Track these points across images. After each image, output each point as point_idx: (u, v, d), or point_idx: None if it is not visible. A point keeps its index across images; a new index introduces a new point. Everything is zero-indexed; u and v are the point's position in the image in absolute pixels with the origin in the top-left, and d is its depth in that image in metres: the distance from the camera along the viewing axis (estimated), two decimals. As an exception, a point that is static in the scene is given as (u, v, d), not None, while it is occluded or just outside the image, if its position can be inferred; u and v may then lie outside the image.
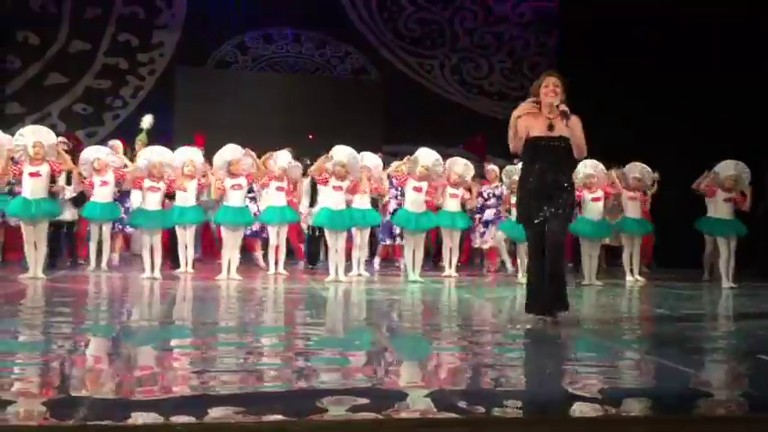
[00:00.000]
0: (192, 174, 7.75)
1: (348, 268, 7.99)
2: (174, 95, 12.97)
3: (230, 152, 7.81)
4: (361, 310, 5.69)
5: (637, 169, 8.41)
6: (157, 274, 7.40)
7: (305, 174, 8.70)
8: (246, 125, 12.06)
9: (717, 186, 8.13)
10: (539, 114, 4.65)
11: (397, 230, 9.09)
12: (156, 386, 2.86)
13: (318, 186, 8.23)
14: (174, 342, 3.96)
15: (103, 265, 8.17)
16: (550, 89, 4.61)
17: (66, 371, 3.13)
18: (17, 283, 6.64)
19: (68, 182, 8.18)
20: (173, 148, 8.14)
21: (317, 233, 9.14)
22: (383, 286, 7.50)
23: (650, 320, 5.50)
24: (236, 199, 7.67)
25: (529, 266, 4.87)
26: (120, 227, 8.86)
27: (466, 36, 14.21)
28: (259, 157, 8.59)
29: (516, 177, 7.87)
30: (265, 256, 8.68)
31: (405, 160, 8.30)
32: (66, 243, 8.86)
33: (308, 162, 8.87)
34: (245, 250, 9.08)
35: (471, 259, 10.56)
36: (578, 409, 2.66)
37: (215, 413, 2.44)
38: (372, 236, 9.20)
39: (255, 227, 8.81)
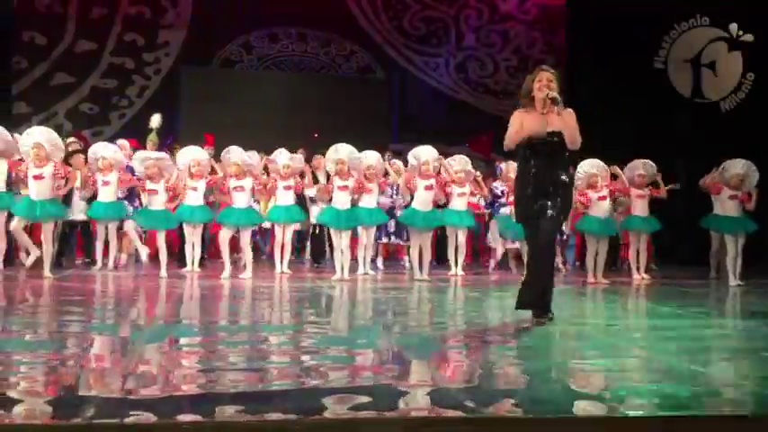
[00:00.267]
0: (200, 173, 7.78)
1: (354, 267, 8.00)
2: (179, 95, 13.00)
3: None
4: (366, 309, 5.69)
5: (640, 166, 8.39)
6: (163, 272, 7.43)
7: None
8: (252, 124, 12.09)
9: (723, 184, 8.12)
10: (532, 111, 4.60)
11: (392, 228, 9.08)
12: (161, 385, 2.86)
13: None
14: (180, 341, 3.96)
15: (110, 264, 8.19)
16: (543, 84, 4.55)
17: (73, 370, 3.14)
18: (24, 282, 6.67)
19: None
20: (177, 148, 8.16)
21: (317, 230, 9.16)
22: (389, 285, 7.49)
23: (656, 318, 5.48)
24: (240, 200, 7.70)
25: (529, 265, 4.84)
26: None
27: (471, 34, 14.18)
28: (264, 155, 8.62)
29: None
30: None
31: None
32: (79, 242, 8.91)
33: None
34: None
35: (477, 258, 10.55)
36: (583, 408, 2.66)
37: (220, 412, 2.45)
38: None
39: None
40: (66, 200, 8.17)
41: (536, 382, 3.03)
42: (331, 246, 8.53)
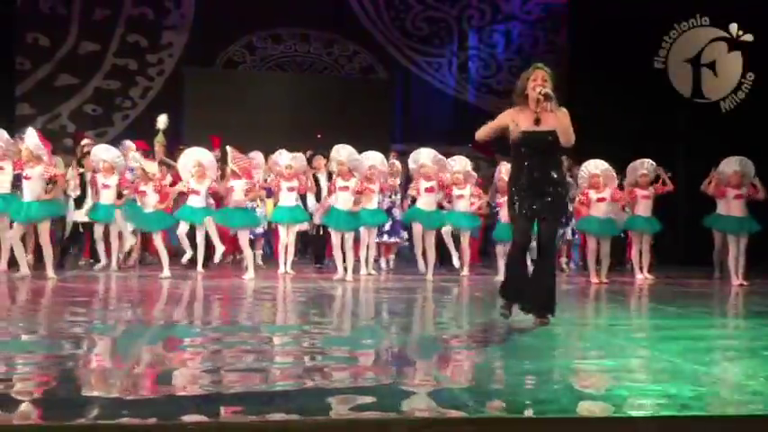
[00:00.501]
0: (202, 174, 7.79)
1: (356, 268, 8.01)
2: (182, 96, 13.01)
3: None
4: (369, 310, 5.69)
5: (643, 167, 8.38)
6: (166, 273, 7.44)
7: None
8: (255, 125, 12.11)
9: (724, 185, 8.11)
10: (525, 109, 4.54)
11: (387, 227, 9.08)
12: (163, 386, 2.87)
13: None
14: (182, 341, 3.97)
15: (113, 265, 8.19)
16: (539, 83, 4.48)
17: (76, 370, 3.15)
18: (27, 283, 6.68)
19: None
20: (180, 149, 8.18)
21: (320, 231, 9.16)
22: (392, 285, 7.49)
23: (659, 318, 5.47)
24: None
25: (511, 255, 4.75)
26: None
27: (474, 34, 14.18)
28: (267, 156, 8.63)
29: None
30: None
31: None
32: (85, 243, 8.93)
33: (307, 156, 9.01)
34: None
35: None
36: (586, 408, 2.66)
37: (223, 412, 2.45)
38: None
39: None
40: (78, 202, 8.23)
41: (539, 382, 3.03)
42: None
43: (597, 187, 8.02)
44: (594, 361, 3.58)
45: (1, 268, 7.30)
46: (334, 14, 13.59)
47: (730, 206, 8.10)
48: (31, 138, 7.28)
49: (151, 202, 7.78)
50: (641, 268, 8.38)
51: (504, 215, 7.61)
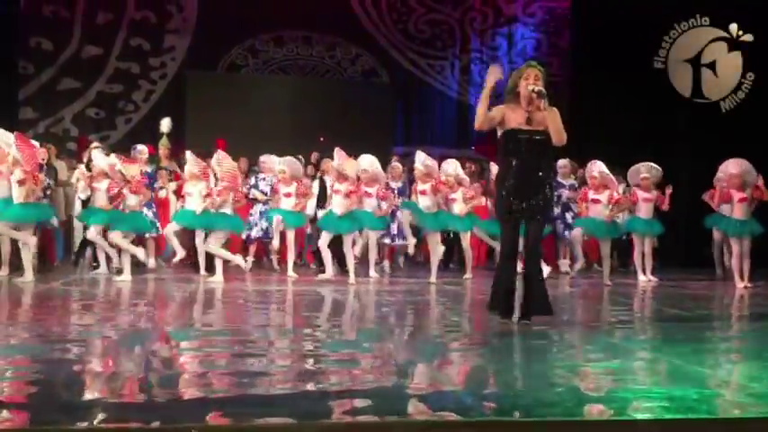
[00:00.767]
0: (196, 176, 7.82)
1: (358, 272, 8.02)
2: (185, 99, 13.02)
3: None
4: (368, 312, 5.69)
5: (644, 169, 8.37)
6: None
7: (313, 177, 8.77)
8: (257, 128, 12.11)
9: (727, 189, 8.07)
10: (517, 107, 4.49)
11: (394, 230, 9.08)
12: (161, 390, 2.86)
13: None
14: (181, 345, 3.96)
15: (112, 268, 8.14)
16: (531, 81, 4.43)
17: (79, 374, 3.14)
18: (25, 288, 6.69)
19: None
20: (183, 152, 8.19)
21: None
22: (393, 288, 7.48)
23: (663, 320, 5.45)
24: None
25: (500, 266, 4.68)
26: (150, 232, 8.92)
27: (476, 37, 14.19)
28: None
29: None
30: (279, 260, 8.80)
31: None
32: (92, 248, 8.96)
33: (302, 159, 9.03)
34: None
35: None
36: (589, 411, 2.65)
37: (223, 416, 2.44)
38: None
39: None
40: (85, 205, 8.27)
41: (542, 384, 3.02)
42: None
43: (595, 188, 8.04)
44: (598, 363, 3.57)
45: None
46: (337, 17, 13.60)
47: (734, 209, 8.07)
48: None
49: (131, 203, 7.72)
50: (644, 270, 8.37)
51: None
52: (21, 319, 4.86)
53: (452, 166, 8.42)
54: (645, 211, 8.35)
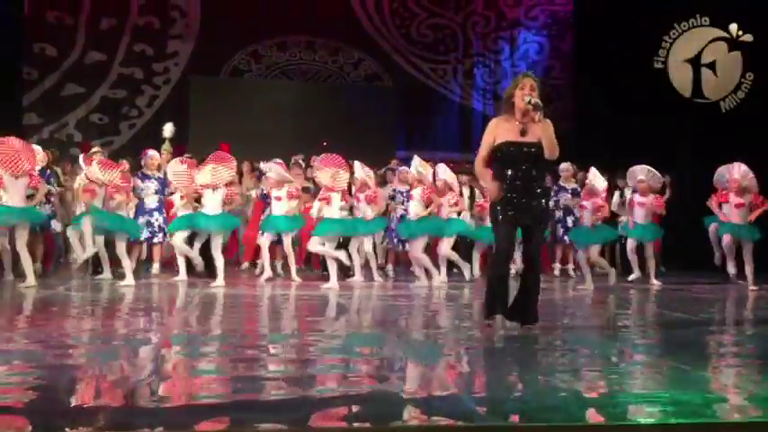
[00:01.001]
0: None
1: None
2: (188, 104, 13.06)
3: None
4: (368, 316, 5.68)
5: (642, 173, 8.36)
6: (129, 281, 7.25)
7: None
8: (261, 133, 12.13)
9: (728, 192, 8.03)
10: (511, 118, 4.48)
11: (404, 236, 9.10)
12: (152, 396, 2.85)
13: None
14: (182, 350, 3.96)
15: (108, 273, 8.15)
16: (526, 92, 4.40)
17: (81, 380, 3.14)
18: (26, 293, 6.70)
19: None
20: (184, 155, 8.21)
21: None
22: (394, 293, 7.47)
23: (667, 324, 5.44)
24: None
25: (492, 274, 4.61)
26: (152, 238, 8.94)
27: (479, 41, 14.20)
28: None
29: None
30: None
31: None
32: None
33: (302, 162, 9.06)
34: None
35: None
36: (590, 415, 2.64)
37: (222, 422, 2.44)
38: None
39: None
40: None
41: (544, 388, 3.01)
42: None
43: (595, 195, 8.12)
44: (602, 367, 3.56)
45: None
46: (340, 22, 13.63)
47: (732, 213, 8.01)
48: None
49: (110, 206, 7.68)
50: (649, 274, 8.39)
51: None
52: (23, 324, 4.86)
53: (441, 170, 8.46)
54: (640, 215, 8.35)
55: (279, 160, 8.91)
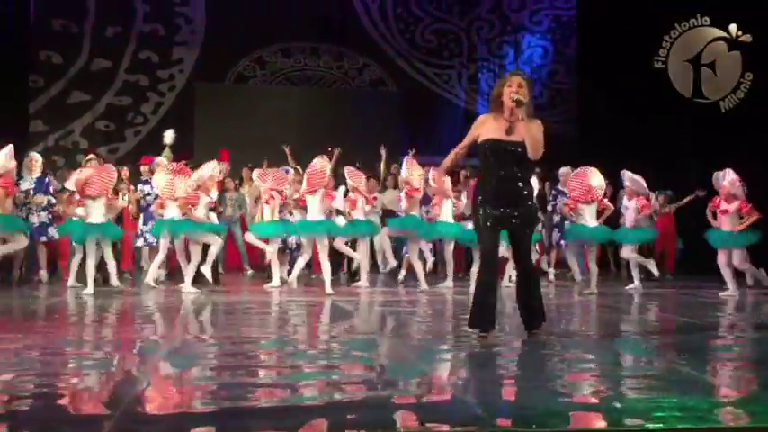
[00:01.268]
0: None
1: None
2: (193, 111, 13.11)
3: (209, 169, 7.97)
4: (363, 321, 5.66)
5: (626, 178, 8.42)
6: (89, 290, 7.19)
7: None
8: (265, 139, 12.13)
9: (720, 199, 7.97)
10: (499, 117, 4.38)
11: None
12: (143, 403, 2.83)
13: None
14: (179, 356, 3.94)
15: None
16: (513, 89, 4.29)
17: (88, 388, 3.15)
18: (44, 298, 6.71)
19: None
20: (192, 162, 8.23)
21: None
22: (393, 297, 7.46)
23: (673, 329, 5.42)
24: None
25: (480, 279, 4.42)
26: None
27: (483, 45, 14.21)
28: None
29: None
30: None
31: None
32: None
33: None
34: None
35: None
36: (591, 420, 2.63)
37: (221, 428, 2.44)
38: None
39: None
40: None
41: (550, 394, 2.99)
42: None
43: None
44: (607, 372, 3.54)
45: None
46: (344, 28, 13.68)
47: (721, 220, 7.92)
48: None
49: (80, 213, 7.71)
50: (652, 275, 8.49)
51: None
52: (31, 331, 4.87)
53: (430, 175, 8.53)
54: (627, 219, 8.42)
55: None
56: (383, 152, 10.43)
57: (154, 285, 7.84)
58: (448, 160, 4.65)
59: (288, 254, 9.03)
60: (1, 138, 7.31)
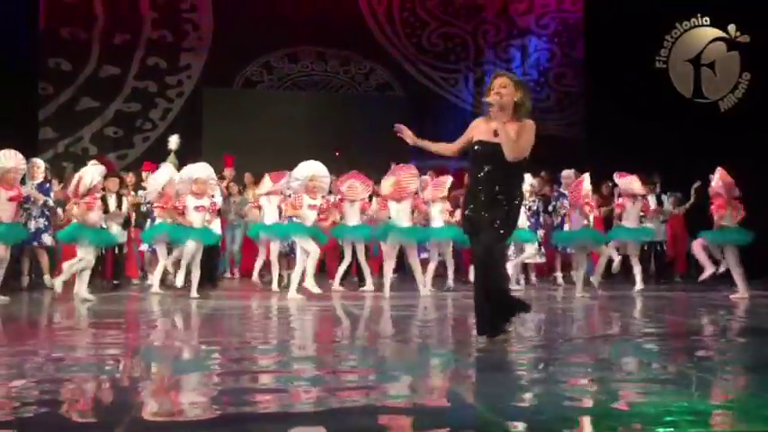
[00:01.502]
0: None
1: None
2: (201, 116, 13.16)
3: (199, 170, 7.96)
4: (365, 325, 5.66)
5: (618, 181, 8.49)
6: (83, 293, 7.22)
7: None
8: (273, 144, 12.19)
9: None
10: (490, 119, 4.38)
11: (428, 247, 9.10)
12: (139, 411, 2.84)
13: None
14: (178, 361, 3.95)
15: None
16: (494, 91, 4.32)
17: (94, 393, 3.16)
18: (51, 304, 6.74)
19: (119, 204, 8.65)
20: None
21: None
22: (394, 302, 7.45)
23: (681, 332, 5.40)
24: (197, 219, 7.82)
25: (474, 285, 4.44)
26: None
27: (489, 49, 14.21)
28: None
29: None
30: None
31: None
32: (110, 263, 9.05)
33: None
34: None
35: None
36: (600, 426, 2.62)
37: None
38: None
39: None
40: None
41: (560, 399, 2.98)
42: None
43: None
44: (616, 376, 3.53)
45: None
46: (350, 32, 13.69)
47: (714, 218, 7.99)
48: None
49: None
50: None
51: None
52: (34, 338, 4.89)
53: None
54: (625, 218, 8.47)
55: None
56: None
57: (160, 291, 7.87)
58: (440, 146, 4.80)
59: (291, 258, 9.05)
60: (11, 145, 7.34)
